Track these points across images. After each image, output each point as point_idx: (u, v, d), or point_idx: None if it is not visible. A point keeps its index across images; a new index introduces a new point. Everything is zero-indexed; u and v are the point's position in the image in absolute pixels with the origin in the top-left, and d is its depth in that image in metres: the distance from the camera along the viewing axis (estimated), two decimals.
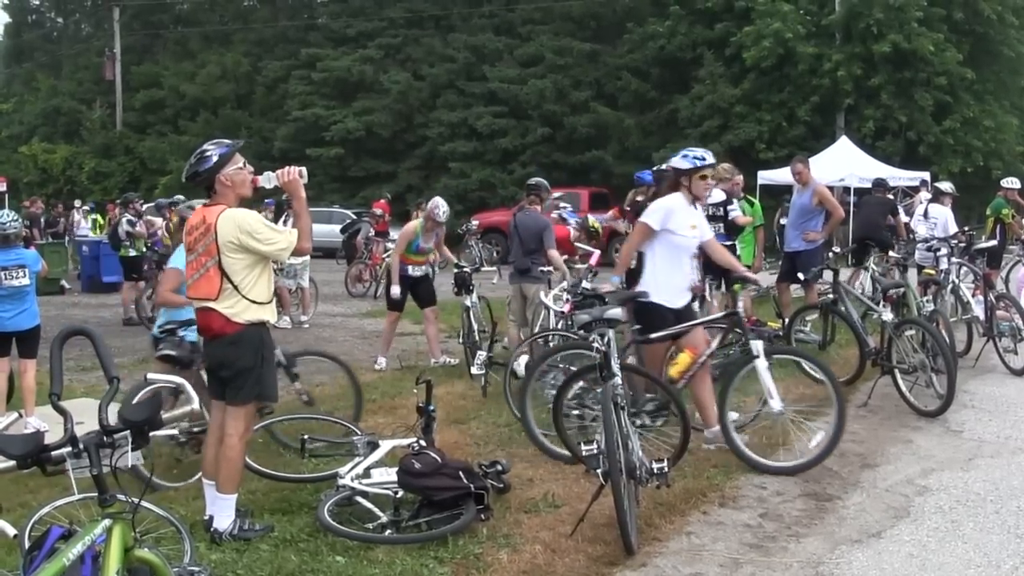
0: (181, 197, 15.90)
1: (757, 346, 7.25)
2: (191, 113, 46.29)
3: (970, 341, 11.75)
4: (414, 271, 11.72)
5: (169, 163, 43.73)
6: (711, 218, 11.60)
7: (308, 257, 16.49)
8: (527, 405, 7.79)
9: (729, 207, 11.73)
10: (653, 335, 7.56)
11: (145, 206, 19.99)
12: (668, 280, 7.65)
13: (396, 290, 11.60)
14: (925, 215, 14.19)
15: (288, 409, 8.22)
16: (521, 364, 9.61)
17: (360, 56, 42.83)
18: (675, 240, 7.64)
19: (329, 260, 26.61)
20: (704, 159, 7.64)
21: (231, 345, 5.85)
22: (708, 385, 7.78)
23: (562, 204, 25.61)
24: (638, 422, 7.15)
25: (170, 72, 48.48)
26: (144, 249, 17.26)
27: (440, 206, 11.53)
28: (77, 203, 30.22)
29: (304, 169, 6.20)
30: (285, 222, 16.47)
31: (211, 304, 5.82)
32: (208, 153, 5.89)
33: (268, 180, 6.13)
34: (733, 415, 7.60)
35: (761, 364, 7.21)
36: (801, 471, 7.14)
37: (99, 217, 29.93)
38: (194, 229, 5.95)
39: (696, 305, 8.48)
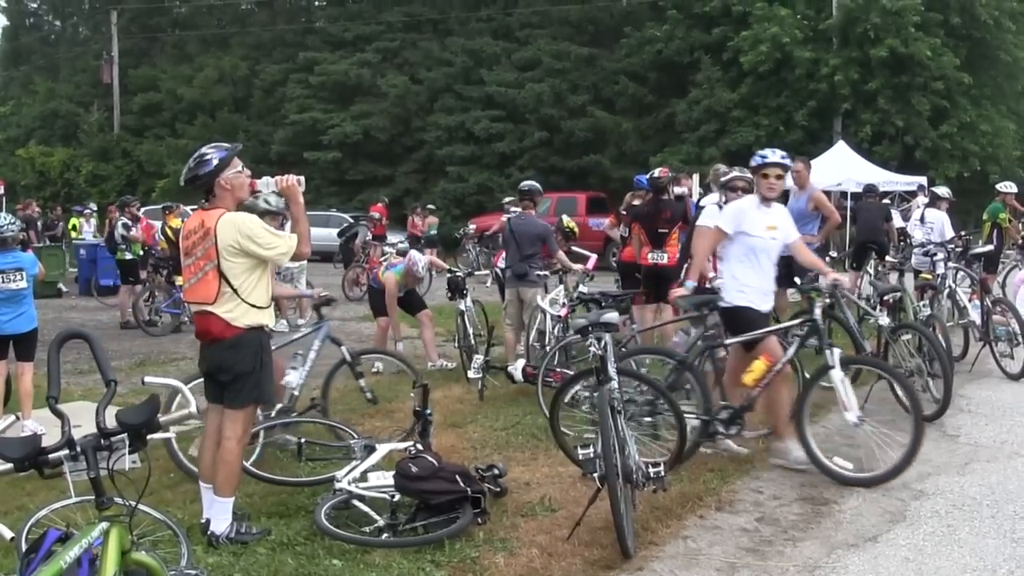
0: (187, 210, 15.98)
1: (834, 355, 7.07)
2: (188, 116, 46.27)
3: (967, 345, 11.74)
4: (400, 291, 11.85)
5: (166, 166, 43.71)
6: None
7: (305, 261, 16.50)
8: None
9: None
10: (728, 340, 7.48)
11: (143, 209, 19.96)
12: (749, 282, 7.47)
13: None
14: (922, 220, 14.19)
15: (351, 406, 8.64)
16: (518, 368, 9.63)
17: (358, 60, 42.87)
18: (751, 242, 7.47)
19: (326, 264, 26.63)
20: (765, 157, 7.52)
21: (230, 349, 5.85)
22: (784, 394, 7.54)
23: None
24: (711, 430, 7.22)
25: (168, 75, 48.46)
26: (141, 253, 17.26)
27: (419, 262, 11.65)
28: (82, 208, 29.98)
29: (302, 177, 6.20)
30: (282, 226, 16.50)
31: (209, 308, 5.82)
32: (208, 156, 5.89)
33: (266, 185, 6.13)
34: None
35: (837, 374, 7.05)
36: (878, 483, 6.94)
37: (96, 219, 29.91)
38: (192, 233, 5.95)
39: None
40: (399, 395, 9.68)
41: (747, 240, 7.49)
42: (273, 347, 7.92)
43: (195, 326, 6.14)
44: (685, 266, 9.11)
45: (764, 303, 7.56)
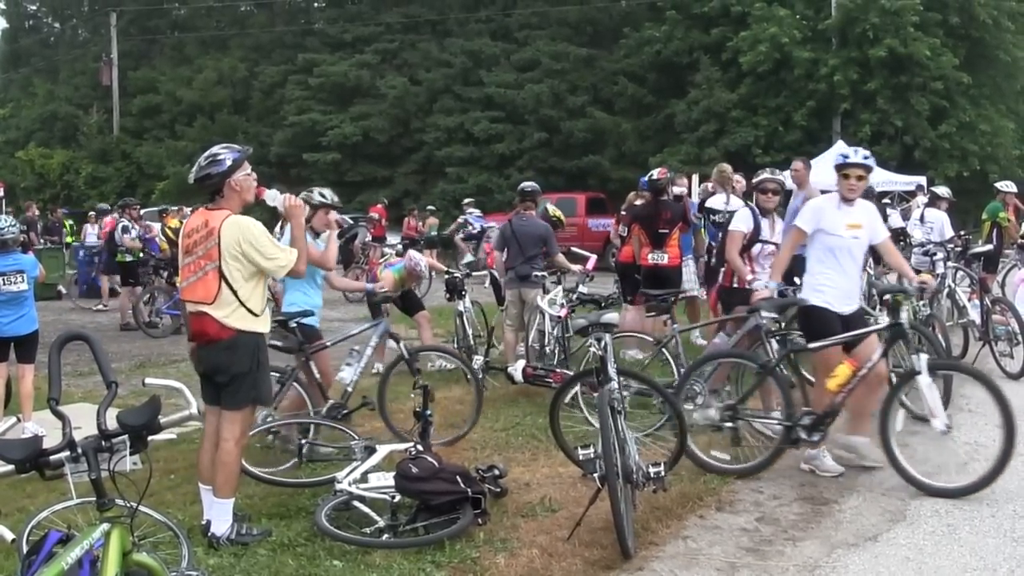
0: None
1: (921, 361, 6.88)
2: (188, 118, 46.30)
3: (966, 345, 11.73)
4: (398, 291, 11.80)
5: (166, 168, 43.76)
6: (726, 225, 11.66)
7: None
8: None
9: None
10: (812, 344, 7.32)
11: (144, 211, 19.98)
12: (827, 282, 7.34)
13: None
14: (921, 219, 14.19)
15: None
16: (518, 369, 9.63)
17: (357, 61, 42.90)
18: (829, 241, 7.33)
19: None
20: (846, 157, 7.31)
21: (226, 350, 5.85)
22: (873, 398, 7.38)
23: (469, 209, 25.69)
24: (793, 436, 7.13)
25: (167, 77, 48.49)
26: (140, 255, 17.28)
27: (420, 262, 11.59)
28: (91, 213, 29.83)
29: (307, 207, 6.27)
30: (282, 228, 16.51)
31: (206, 309, 5.82)
32: (221, 157, 5.88)
33: (272, 199, 6.16)
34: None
35: (924, 380, 6.88)
36: (965, 494, 6.74)
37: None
38: (194, 232, 5.94)
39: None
40: (399, 396, 9.67)
41: (825, 239, 7.35)
42: (328, 343, 8.03)
43: (190, 327, 6.14)
44: (723, 269, 9.02)
45: (843, 304, 7.36)
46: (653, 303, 9.80)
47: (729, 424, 7.31)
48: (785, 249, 7.86)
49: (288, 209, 6.23)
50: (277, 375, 7.76)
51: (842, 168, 7.27)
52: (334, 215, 8.53)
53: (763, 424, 7.62)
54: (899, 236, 13.33)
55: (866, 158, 7.30)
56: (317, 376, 8.08)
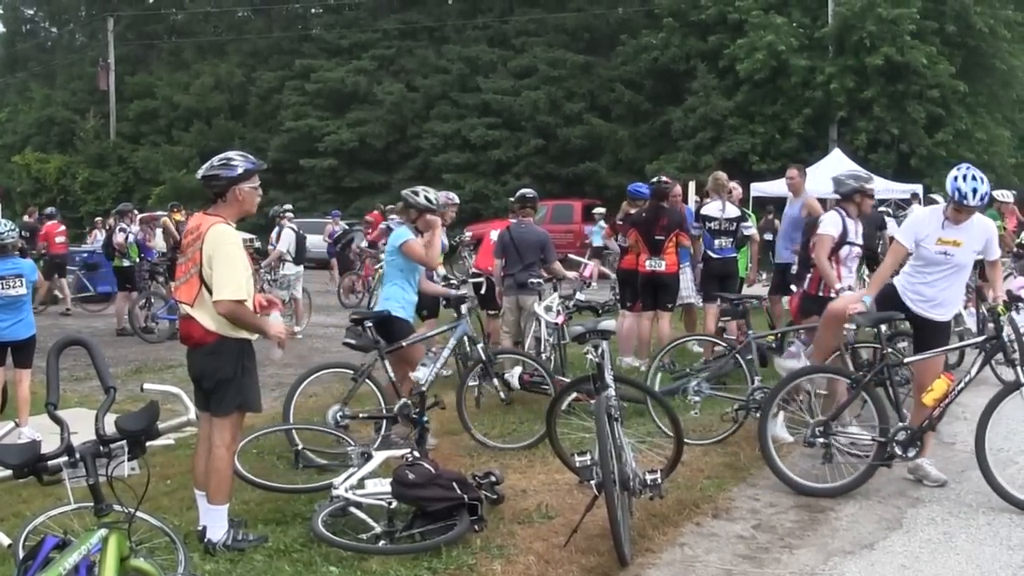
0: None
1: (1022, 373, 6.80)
2: (185, 123, 46.33)
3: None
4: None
5: (163, 173, 43.77)
6: (724, 233, 11.66)
7: (301, 268, 16.52)
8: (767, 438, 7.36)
9: (743, 223, 11.83)
10: (909, 358, 7.36)
11: (139, 216, 19.95)
12: (916, 290, 7.34)
13: None
14: None
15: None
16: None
17: (354, 67, 42.95)
18: (921, 252, 7.29)
19: (322, 271, 26.62)
20: (965, 199, 7.00)
21: (210, 355, 5.85)
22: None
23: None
24: (888, 452, 6.99)
25: (164, 82, 48.51)
26: (137, 259, 17.27)
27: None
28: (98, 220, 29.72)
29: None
30: (279, 237, 16.52)
31: (190, 311, 5.84)
32: (235, 162, 5.87)
33: (275, 321, 6.18)
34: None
35: None
36: None
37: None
38: (189, 234, 6.01)
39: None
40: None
41: (920, 250, 7.31)
42: (405, 343, 8.11)
43: (179, 329, 6.17)
44: (810, 276, 8.92)
45: (932, 313, 7.37)
46: (728, 307, 9.77)
47: (821, 441, 7.12)
48: (887, 265, 7.64)
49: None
50: (351, 372, 8.10)
51: (959, 207, 7.11)
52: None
53: (856, 441, 7.35)
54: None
55: (982, 198, 7.09)
56: (391, 374, 8.12)
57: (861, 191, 8.59)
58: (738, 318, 9.48)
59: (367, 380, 8.18)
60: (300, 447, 7.53)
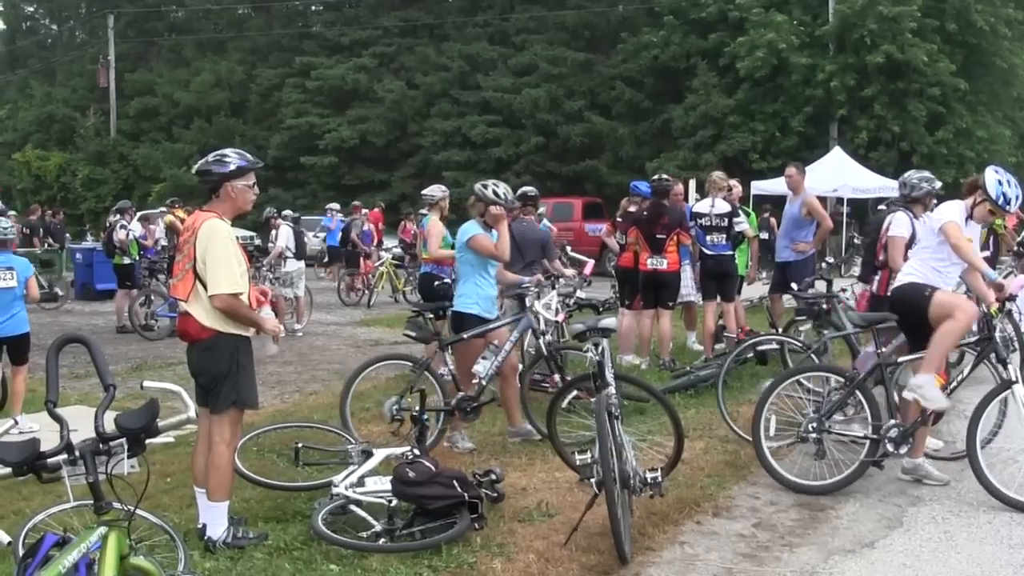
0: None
1: (1014, 371, 6.83)
2: (185, 121, 46.32)
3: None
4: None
5: (163, 171, 43.76)
6: (715, 229, 11.65)
7: (303, 264, 16.52)
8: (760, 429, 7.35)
9: (736, 219, 11.81)
10: (903, 359, 7.36)
11: (139, 214, 19.97)
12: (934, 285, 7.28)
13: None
14: None
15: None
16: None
17: (354, 65, 42.95)
18: (946, 246, 7.25)
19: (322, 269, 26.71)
20: (1007, 200, 7.04)
21: (206, 351, 5.85)
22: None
23: (334, 212, 25.47)
24: (881, 450, 6.96)
25: (164, 80, 48.50)
26: (138, 256, 17.27)
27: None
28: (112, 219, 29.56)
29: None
30: (276, 237, 16.55)
31: (186, 307, 5.84)
32: (228, 159, 5.88)
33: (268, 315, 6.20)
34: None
35: (1021, 390, 6.83)
36: None
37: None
38: (186, 231, 6.02)
39: None
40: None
41: (944, 245, 7.24)
42: (466, 335, 8.11)
43: (177, 326, 6.18)
44: (879, 278, 8.82)
45: None
46: (803, 307, 9.72)
47: (815, 436, 7.12)
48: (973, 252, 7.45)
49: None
50: (410, 365, 8.12)
51: (998, 209, 7.14)
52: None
53: (848, 437, 7.32)
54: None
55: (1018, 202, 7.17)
56: (451, 367, 8.13)
57: (932, 194, 8.68)
58: (814, 318, 9.38)
59: (426, 372, 8.20)
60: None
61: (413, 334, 8.32)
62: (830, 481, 7.07)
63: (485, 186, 8.42)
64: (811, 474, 7.22)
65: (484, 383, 8.08)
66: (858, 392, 7.28)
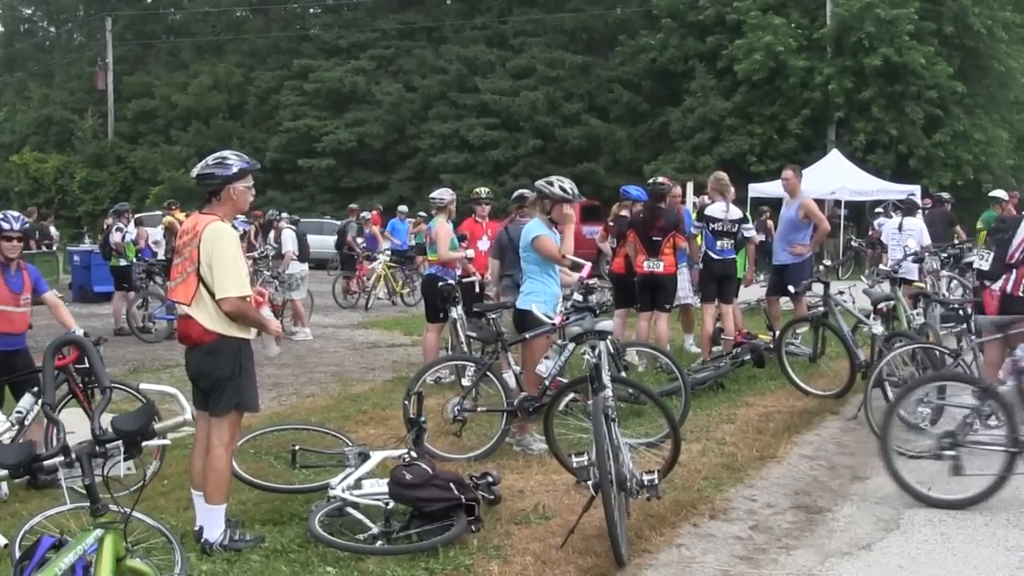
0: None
1: None
2: (183, 123, 46.34)
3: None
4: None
5: (161, 173, 43.78)
6: (724, 234, 11.62)
7: (306, 266, 16.50)
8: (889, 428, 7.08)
9: (744, 226, 11.80)
10: None
11: (136, 216, 19.98)
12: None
13: None
14: (900, 228, 14.15)
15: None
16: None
17: (352, 67, 43.00)
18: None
19: (321, 271, 26.65)
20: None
21: (208, 355, 5.85)
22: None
23: (286, 216, 25.29)
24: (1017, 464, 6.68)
25: (162, 82, 48.54)
26: (134, 259, 17.25)
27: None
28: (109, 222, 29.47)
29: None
30: (268, 241, 16.59)
31: (188, 310, 5.83)
32: (230, 162, 5.89)
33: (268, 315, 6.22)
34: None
35: None
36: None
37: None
38: (185, 233, 6.01)
39: None
40: (393, 403, 9.66)
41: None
42: (528, 335, 8.03)
43: (177, 329, 6.16)
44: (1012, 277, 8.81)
45: None
46: (947, 312, 9.65)
47: (950, 453, 6.79)
48: None
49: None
50: (472, 365, 8.09)
51: None
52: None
53: (985, 448, 6.95)
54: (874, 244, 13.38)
55: None
56: (515, 367, 8.09)
57: None
58: (960, 323, 9.29)
59: (488, 373, 8.18)
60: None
61: (475, 334, 8.25)
62: (969, 495, 6.71)
63: (550, 183, 8.18)
64: (934, 483, 6.91)
65: (548, 383, 7.88)
66: (995, 401, 6.92)
